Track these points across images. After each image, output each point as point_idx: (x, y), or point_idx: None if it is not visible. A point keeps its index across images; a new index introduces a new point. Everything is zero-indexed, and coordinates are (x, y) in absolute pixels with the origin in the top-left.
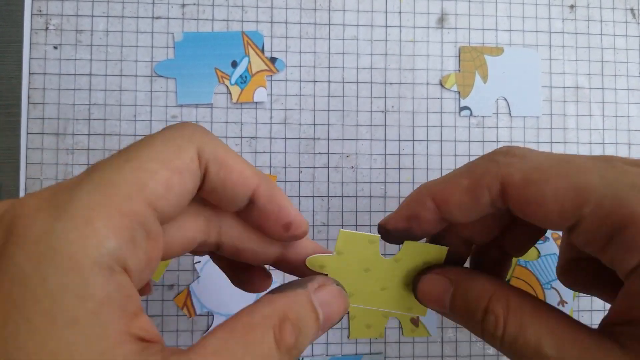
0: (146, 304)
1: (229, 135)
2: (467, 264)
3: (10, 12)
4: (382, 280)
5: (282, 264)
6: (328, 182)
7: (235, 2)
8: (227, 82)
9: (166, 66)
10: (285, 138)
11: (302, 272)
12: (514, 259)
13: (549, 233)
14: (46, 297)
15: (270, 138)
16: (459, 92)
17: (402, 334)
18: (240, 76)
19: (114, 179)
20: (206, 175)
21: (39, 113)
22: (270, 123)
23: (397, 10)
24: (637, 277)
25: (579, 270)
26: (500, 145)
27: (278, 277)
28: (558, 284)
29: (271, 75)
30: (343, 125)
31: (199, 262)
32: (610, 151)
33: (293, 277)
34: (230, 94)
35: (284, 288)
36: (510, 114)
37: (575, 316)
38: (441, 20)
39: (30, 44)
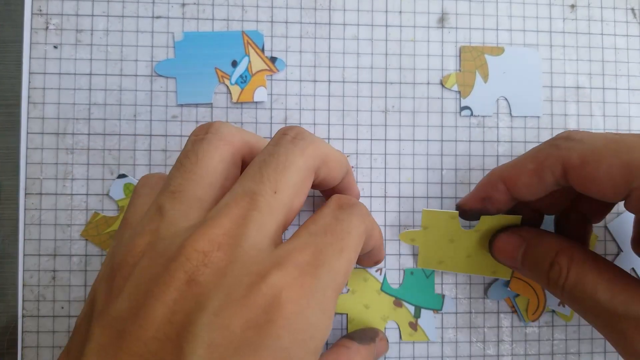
0: None
1: None
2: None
3: (10, 11)
4: (466, 248)
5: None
6: None
7: (236, 2)
8: (227, 81)
9: (166, 66)
10: None
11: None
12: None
13: None
14: None
15: (271, 138)
16: (460, 92)
17: (401, 338)
18: (241, 76)
19: (339, 269)
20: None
21: (39, 113)
22: (271, 123)
23: (398, 10)
24: None
25: None
26: (501, 145)
27: None
28: None
29: (271, 75)
30: (343, 125)
31: None
32: None
33: None
34: (230, 93)
35: (362, 338)
36: (510, 113)
37: (575, 317)
38: (442, 19)
39: (30, 43)
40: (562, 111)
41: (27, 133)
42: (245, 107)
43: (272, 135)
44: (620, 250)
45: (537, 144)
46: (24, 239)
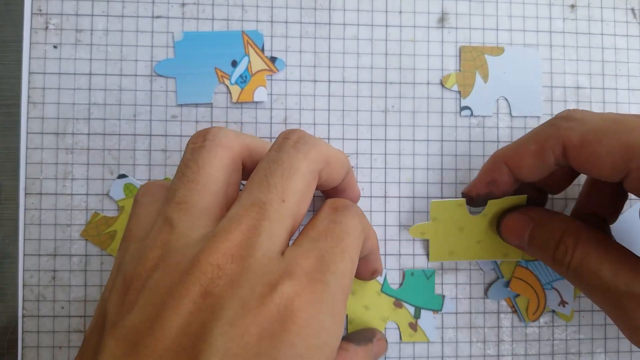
0: None
1: None
2: None
3: (10, 11)
4: (476, 234)
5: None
6: None
7: (235, 2)
8: (227, 81)
9: (166, 66)
10: None
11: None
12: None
13: None
14: None
15: (271, 138)
16: (460, 92)
17: (401, 338)
18: (240, 76)
19: (344, 272)
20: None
21: (39, 112)
22: (271, 123)
23: (398, 10)
24: None
25: None
26: (500, 145)
27: None
28: (559, 284)
29: (271, 75)
30: (343, 125)
31: None
32: None
33: None
34: (230, 93)
35: (360, 340)
36: (510, 113)
37: (575, 317)
38: (442, 19)
39: (30, 43)
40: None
41: (27, 133)
42: (245, 107)
43: (272, 136)
44: None
45: None
46: (24, 239)
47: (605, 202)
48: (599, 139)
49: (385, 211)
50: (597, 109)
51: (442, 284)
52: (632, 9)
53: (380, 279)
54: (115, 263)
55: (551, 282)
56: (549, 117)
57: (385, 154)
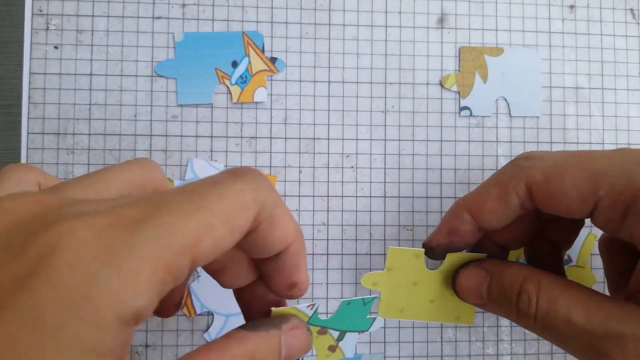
0: None
1: (229, 135)
2: None
3: (11, 12)
4: (430, 292)
5: (248, 294)
6: (328, 182)
7: (236, 2)
8: (227, 82)
9: (166, 66)
10: (286, 138)
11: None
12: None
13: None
14: (53, 347)
15: (271, 138)
16: (459, 92)
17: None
18: (241, 76)
19: (176, 229)
20: (255, 231)
21: (40, 113)
22: (271, 123)
23: (397, 11)
24: None
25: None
26: (500, 145)
27: None
28: None
29: (271, 75)
30: (343, 125)
31: None
32: None
33: None
34: (230, 93)
35: (257, 326)
36: (510, 114)
37: None
38: (441, 20)
39: (31, 43)
40: (561, 111)
41: (28, 133)
42: (245, 107)
43: (272, 136)
44: None
45: (536, 145)
46: None
47: (561, 228)
48: (563, 171)
49: (385, 211)
50: (596, 109)
51: None
52: (631, 10)
53: (309, 311)
54: None
55: None
56: (548, 117)
57: (385, 154)
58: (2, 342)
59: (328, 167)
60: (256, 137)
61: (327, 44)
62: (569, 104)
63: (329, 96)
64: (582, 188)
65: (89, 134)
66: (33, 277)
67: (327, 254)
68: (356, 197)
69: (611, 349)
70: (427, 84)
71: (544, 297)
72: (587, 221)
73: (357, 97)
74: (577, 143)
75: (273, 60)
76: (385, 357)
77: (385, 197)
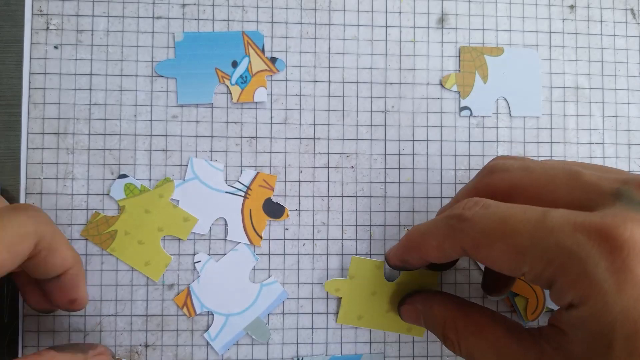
0: (146, 304)
1: (229, 135)
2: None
3: (11, 12)
4: (386, 303)
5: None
6: (328, 182)
7: (236, 2)
8: (227, 82)
9: (167, 66)
10: (286, 138)
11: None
12: None
13: None
14: None
15: (271, 138)
16: (459, 92)
17: None
18: (241, 76)
19: None
20: (36, 256)
21: (40, 113)
22: (271, 123)
23: (397, 11)
24: (569, 313)
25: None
26: (500, 145)
27: (278, 277)
28: None
29: (271, 75)
30: (343, 125)
31: (199, 261)
32: (610, 151)
33: None
34: (230, 93)
35: (66, 348)
36: (510, 114)
37: None
38: (441, 20)
39: (31, 43)
40: (562, 111)
41: (28, 133)
42: (245, 107)
43: (272, 136)
44: None
45: (536, 145)
46: None
47: (500, 280)
48: (490, 244)
49: (385, 211)
50: (596, 109)
51: (441, 283)
52: (632, 10)
53: None
54: None
55: None
56: (548, 118)
57: (385, 154)
58: None
59: (328, 167)
60: (256, 137)
61: (327, 44)
62: (569, 104)
63: (329, 96)
64: (507, 262)
65: (89, 134)
66: None
67: (327, 254)
68: (356, 197)
69: None
70: (427, 84)
71: (464, 344)
72: None
73: (357, 97)
74: (577, 143)
75: (273, 60)
76: (385, 357)
77: (385, 197)
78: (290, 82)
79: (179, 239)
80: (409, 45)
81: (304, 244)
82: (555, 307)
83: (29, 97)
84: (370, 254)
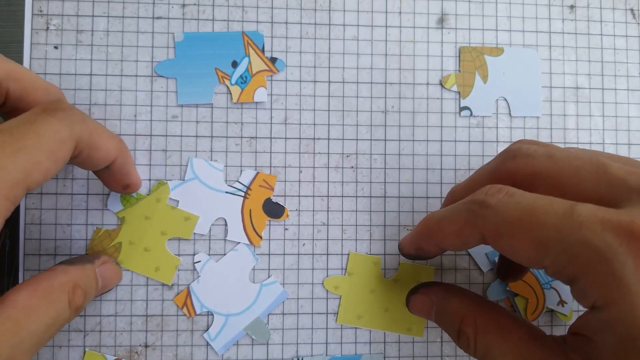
0: (146, 304)
1: (229, 135)
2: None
3: (11, 12)
4: (386, 300)
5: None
6: (328, 182)
7: (236, 3)
8: (227, 82)
9: (167, 66)
10: (286, 138)
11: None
12: None
13: None
14: None
15: (271, 138)
16: (459, 93)
17: None
18: (241, 76)
19: (6, 166)
20: (78, 156)
21: None
22: (271, 123)
23: (397, 11)
24: (594, 316)
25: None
26: (500, 145)
27: (278, 277)
28: (557, 284)
29: (271, 75)
30: (343, 125)
31: (199, 262)
32: (610, 151)
33: None
34: (230, 94)
35: (75, 261)
36: (510, 114)
37: (574, 316)
38: (441, 20)
39: (31, 44)
40: (561, 111)
41: None
42: (245, 107)
43: (272, 136)
44: None
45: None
46: (25, 239)
47: (515, 266)
48: (513, 234)
49: (385, 211)
50: (596, 109)
51: (446, 283)
52: (632, 10)
53: None
54: None
55: (550, 282)
56: (548, 118)
57: (385, 154)
58: None
59: (328, 167)
60: (256, 137)
61: (327, 44)
62: (569, 104)
63: (329, 96)
64: (529, 253)
65: None
66: None
67: (327, 254)
68: (356, 197)
69: None
70: (427, 84)
71: (481, 341)
72: None
73: (357, 97)
74: (577, 143)
75: (273, 60)
76: (385, 357)
77: (385, 197)
78: (290, 82)
79: (179, 240)
80: (409, 45)
81: (304, 244)
82: (555, 308)
83: None
84: (371, 254)
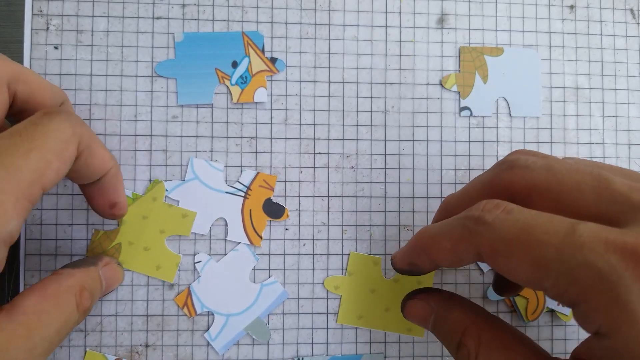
0: (146, 304)
1: (229, 135)
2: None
3: (11, 12)
4: (386, 300)
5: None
6: (328, 182)
7: (236, 3)
8: (227, 82)
9: (167, 66)
10: (286, 138)
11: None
12: None
13: None
14: None
15: (271, 138)
16: (459, 93)
17: None
18: (241, 76)
19: (21, 167)
20: (78, 158)
21: None
22: (271, 123)
23: (397, 11)
24: (598, 343)
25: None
26: (500, 145)
27: (278, 277)
28: None
29: (271, 76)
30: (343, 125)
31: (200, 262)
32: (610, 151)
33: None
34: (230, 94)
35: (79, 264)
36: (510, 114)
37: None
38: (441, 20)
39: (31, 44)
40: (561, 112)
41: None
42: (245, 107)
43: (272, 136)
44: None
45: (536, 145)
46: (25, 239)
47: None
48: (509, 253)
49: (385, 211)
50: (596, 109)
51: (441, 283)
52: (631, 10)
53: None
54: None
55: None
56: (548, 118)
57: (385, 154)
58: None
59: (328, 168)
60: (256, 138)
61: (327, 44)
62: (569, 104)
63: (329, 96)
64: (527, 274)
65: None
66: None
67: (327, 254)
68: (356, 197)
69: None
70: (427, 84)
71: (483, 356)
72: None
73: (357, 97)
74: (577, 143)
75: (273, 60)
76: (385, 357)
77: (385, 197)
78: (290, 83)
79: (179, 240)
80: (409, 45)
81: (304, 244)
82: (555, 308)
83: None
84: (371, 254)
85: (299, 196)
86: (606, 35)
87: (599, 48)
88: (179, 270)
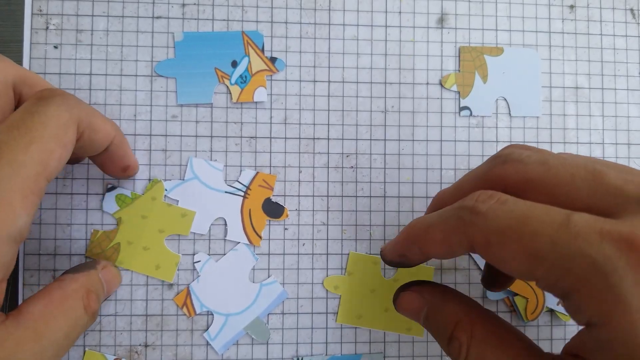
0: (146, 304)
1: (229, 134)
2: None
3: (11, 11)
4: (386, 300)
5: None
6: (328, 181)
7: (236, 2)
8: (227, 81)
9: (166, 66)
10: (285, 138)
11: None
12: None
13: None
14: None
15: (270, 138)
16: (459, 92)
17: None
18: (241, 76)
19: (24, 161)
20: (80, 138)
21: None
22: (270, 123)
23: (397, 11)
24: (590, 335)
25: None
26: (500, 145)
27: (278, 277)
28: None
29: (271, 75)
30: (343, 125)
31: (199, 261)
32: (610, 151)
33: None
34: (230, 93)
35: (79, 269)
36: (510, 114)
37: None
38: (441, 20)
39: (31, 43)
40: (561, 111)
41: None
42: (245, 107)
43: (272, 136)
44: None
45: (536, 145)
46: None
47: (502, 275)
48: (503, 243)
49: (384, 211)
50: (596, 109)
51: (441, 283)
52: (631, 10)
53: None
54: None
55: None
56: (547, 117)
57: (385, 154)
58: None
59: (328, 167)
60: (256, 137)
61: (327, 44)
62: (569, 104)
63: (328, 96)
64: (520, 264)
65: None
66: None
67: (327, 254)
68: (356, 197)
69: None
70: (427, 84)
71: (475, 350)
72: None
73: (357, 97)
74: (577, 143)
75: (273, 60)
76: (385, 357)
77: (385, 197)
78: (290, 82)
79: (178, 239)
80: (409, 45)
81: (303, 244)
82: (555, 308)
83: None
84: (371, 254)
85: (299, 196)
86: (606, 35)
87: (599, 48)
88: (178, 269)
